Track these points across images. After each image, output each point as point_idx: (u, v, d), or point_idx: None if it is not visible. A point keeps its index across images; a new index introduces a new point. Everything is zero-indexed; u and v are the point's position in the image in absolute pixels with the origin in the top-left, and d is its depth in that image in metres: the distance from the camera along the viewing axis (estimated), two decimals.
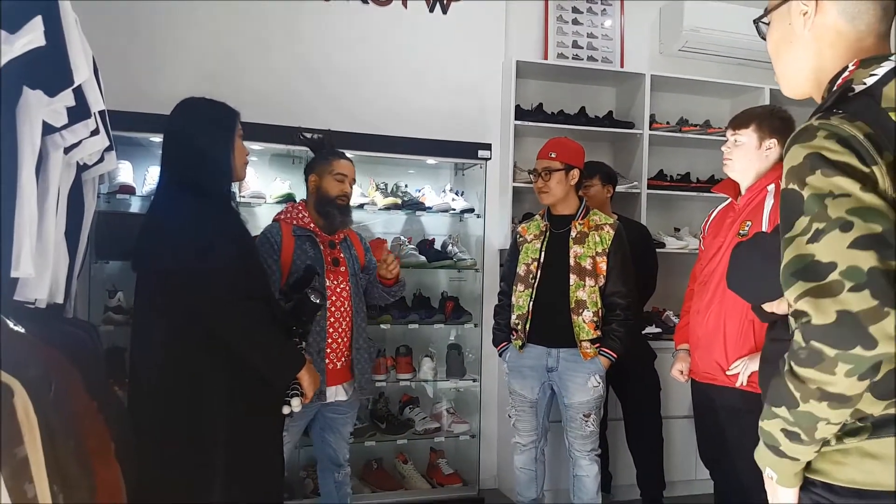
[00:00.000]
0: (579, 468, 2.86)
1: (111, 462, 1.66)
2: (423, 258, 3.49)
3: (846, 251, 0.99)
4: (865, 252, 0.98)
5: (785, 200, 1.10)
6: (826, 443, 1.13)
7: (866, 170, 1.04)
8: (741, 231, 2.37)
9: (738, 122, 2.42)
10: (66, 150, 1.72)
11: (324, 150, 2.78)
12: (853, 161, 1.04)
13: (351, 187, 2.76)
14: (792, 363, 1.07)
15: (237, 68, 3.54)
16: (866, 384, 1.01)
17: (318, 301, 2.19)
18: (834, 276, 0.99)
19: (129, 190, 3.10)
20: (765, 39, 1.33)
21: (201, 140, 2.04)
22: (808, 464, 1.17)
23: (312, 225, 2.67)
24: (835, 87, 1.17)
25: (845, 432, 1.11)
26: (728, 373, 2.35)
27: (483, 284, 3.60)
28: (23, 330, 1.55)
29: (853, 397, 1.02)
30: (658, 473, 3.44)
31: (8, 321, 1.53)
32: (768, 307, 1.75)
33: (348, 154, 3.32)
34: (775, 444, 1.14)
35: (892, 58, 1.15)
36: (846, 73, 1.16)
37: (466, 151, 3.56)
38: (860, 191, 1.01)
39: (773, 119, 2.39)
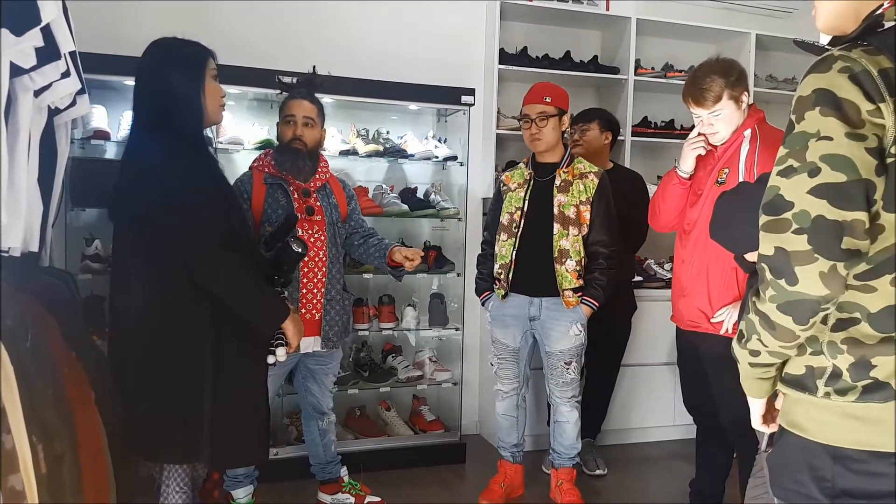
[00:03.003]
0: (560, 414, 2.91)
1: (91, 410, 1.66)
2: (405, 207, 3.46)
3: (804, 195, 1.07)
4: (819, 200, 1.06)
5: (787, 128, 1.16)
6: (811, 392, 1.16)
7: (871, 107, 1.07)
8: (719, 179, 2.38)
9: (707, 98, 2.34)
10: (37, 94, 1.65)
11: (289, 90, 2.66)
12: (858, 99, 1.07)
13: (309, 127, 2.58)
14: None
15: (214, 10, 3.41)
16: (788, 321, 1.12)
17: (299, 250, 2.16)
18: (787, 214, 1.09)
19: (103, 135, 3.01)
20: None
21: (169, 79, 1.96)
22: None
23: (284, 172, 2.60)
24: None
25: (835, 390, 1.14)
26: (712, 320, 2.38)
27: (466, 233, 3.59)
28: None
29: (776, 325, 1.14)
30: (601, 419, 3.54)
31: None
32: (750, 257, 1.77)
33: (326, 98, 3.26)
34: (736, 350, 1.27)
35: None
36: (880, 11, 1.15)
37: (449, 97, 3.49)
38: (844, 136, 1.06)
39: (733, 75, 2.35)
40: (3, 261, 1.58)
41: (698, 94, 2.36)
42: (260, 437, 2.11)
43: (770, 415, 1.36)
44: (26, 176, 1.61)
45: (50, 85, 1.67)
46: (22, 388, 1.32)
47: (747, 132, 2.37)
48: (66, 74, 1.71)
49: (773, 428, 1.34)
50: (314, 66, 2.71)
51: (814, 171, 1.07)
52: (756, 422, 1.37)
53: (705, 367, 2.46)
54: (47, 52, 1.59)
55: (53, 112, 1.88)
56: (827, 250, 1.05)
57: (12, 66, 1.48)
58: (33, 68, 1.57)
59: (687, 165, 2.49)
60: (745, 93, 2.38)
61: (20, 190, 1.57)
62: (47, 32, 1.57)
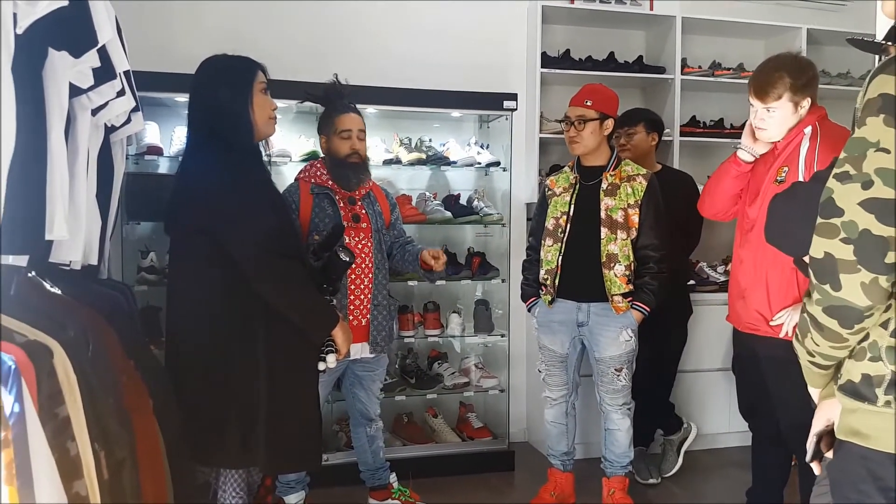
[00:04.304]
0: (611, 422, 2.86)
1: (149, 418, 1.70)
2: (448, 214, 3.47)
3: (855, 206, 1.08)
4: (868, 214, 1.07)
5: (852, 126, 1.16)
6: (870, 401, 1.13)
7: None
8: (778, 178, 2.31)
9: (768, 93, 2.27)
10: (94, 112, 1.71)
11: (329, 103, 2.70)
12: None
13: (362, 140, 2.67)
14: None
15: (259, 25, 3.49)
16: (834, 324, 1.13)
17: (347, 259, 2.19)
18: (836, 220, 1.10)
19: (156, 151, 3.10)
20: None
21: (218, 94, 2.02)
22: (851, 427, 1.17)
23: (331, 182, 2.65)
24: None
25: None
26: (772, 323, 2.31)
27: (510, 239, 3.58)
28: (59, 291, 1.58)
29: (823, 327, 1.16)
30: (672, 416, 3.45)
31: (44, 283, 1.55)
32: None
33: (370, 109, 3.30)
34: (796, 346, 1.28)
35: None
36: None
37: (491, 103, 3.48)
38: None
39: (802, 78, 2.26)
40: (65, 274, 1.64)
41: (759, 86, 2.30)
42: (313, 443, 2.14)
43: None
44: (85, 192, 1.67)
45: (106, 104, 1.73)
46: (85, 397, 1.36)
47: (807, 129, 2.29)
48: (121, 93, 1.76)
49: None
50: (336, 75, 2.72)
51: (867, 184, 1.07)
52: (817, 424, 1.31)
53: (763, 371, 2.39)
54: (104, 72, 1.64)
55: (109, 130, 1.94)
56: (870, 263, 1.07)
57: (71, 86, 1.53)
58: (91, 88, 1.62)
59: (747, 139, 2.42)
60: (808, 99, 2.28)
61: (80, 206, 1.63)
62: (103, 53, 1.62)
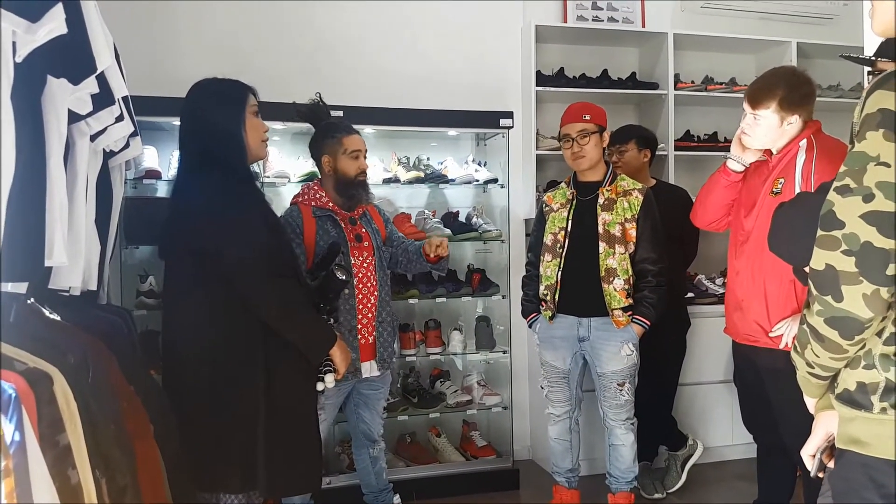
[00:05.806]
0: (615, 437, 2.85)
1: (150, 443, 1.69)
2: (447, 231, 3.47)
3: (856, 219, 1.09)
4: (870, 227, 1.08)
5: (850, 140, 1.17)
6: (867, 409, 1.14)
7: None
8: (774, 189, 2.33)
9: (758, 100, 2.32)
10: (93, 138, 1.71)
11: (322, 123, 2.72)
12: None
13: (366, 159, 2.72)
14: None
15: (256, 49, 3.52)
16: (835, 335, 1.14)
17: (343, 278, 2.19)
18: (837, 233, 1.11)
19: (155, 174, 3.11)
20: None
21: (211, 117, 2.03)
22: (850, 436, 1.17)
23: (331, 204, 2.66)
24: None
25: (892, 405, 1.12)
26: (771, 334, 2.31)
27: (509, 255, 3.58)
28: (59, 318, 1.57)
29: (824, 338, 1.16)
30: (674, 431, 3.43)
31: (44, 309, 1.55)
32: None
33: (368, 129, 3.31)
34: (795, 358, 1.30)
35: None
36: None
37: (488, 121, 3.51)
38: None
39: (794, 95, 2.30)
40: (65, 300, 1.64)
41: (753, 92, 2.35)
42: (313, 465, 2.12)
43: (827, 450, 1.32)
44: (84, 218, 1.67)
45: (105, 129, 1.73)
46: (85, 424, 1.35)
47: (803, 142, 2.32)
48: (119, 118, 1.77)
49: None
50: (318, 94, 2.75)
51: (868, 197, 1.09)
52: (816, 439, 1.31)
53: (764, 383, 2.39)
54: (102, 98, 1.65)
55: (108, 155, 1.94)
56: (872, 275, 1.08)
57: (70, 112, 1.54)
58: (89, 114, 1.62)
59: (735, 149, 2.45)
60: (796, 116, 2.30)
61: (79, 232, 1.63)
62: (102, 79, 1.63)
